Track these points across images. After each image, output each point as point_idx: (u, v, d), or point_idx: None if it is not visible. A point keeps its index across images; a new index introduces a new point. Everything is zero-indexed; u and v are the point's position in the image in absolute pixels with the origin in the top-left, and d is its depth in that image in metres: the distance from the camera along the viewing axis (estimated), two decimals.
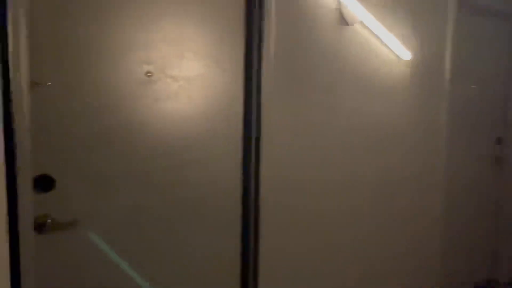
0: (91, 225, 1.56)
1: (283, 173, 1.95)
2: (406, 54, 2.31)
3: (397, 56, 2.28)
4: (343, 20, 2.01)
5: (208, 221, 1.84)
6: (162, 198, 1.71)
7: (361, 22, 2.07)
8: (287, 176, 1.97)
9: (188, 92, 1.71)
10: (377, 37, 2.18)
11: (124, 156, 1.61)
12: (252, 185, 1.89)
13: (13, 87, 1.34)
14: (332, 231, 2.21)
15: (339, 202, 2.20)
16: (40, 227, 1.46)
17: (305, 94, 1.98)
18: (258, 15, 1.80)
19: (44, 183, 1.47)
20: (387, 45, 2.22)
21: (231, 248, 1.91)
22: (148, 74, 1.61)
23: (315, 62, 1.99)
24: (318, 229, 2.13)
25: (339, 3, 2.00)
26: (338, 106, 2.09)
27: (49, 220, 1.48)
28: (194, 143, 1.76)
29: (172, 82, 1.66)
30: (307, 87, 1.98)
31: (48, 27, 1.45)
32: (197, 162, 1.77)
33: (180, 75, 1.67)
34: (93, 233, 1.57)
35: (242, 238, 1.92)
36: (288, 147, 1.95)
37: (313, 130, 2.02)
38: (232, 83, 1.81)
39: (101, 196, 1.58)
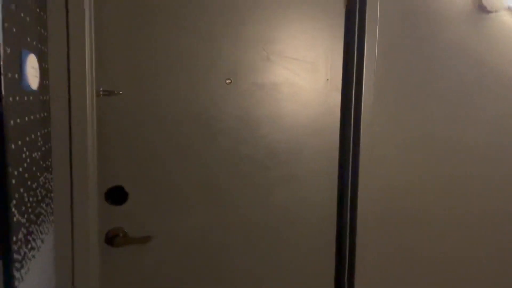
0: (164, 241, 1.47)
1: (386, 195, 1.61)
2: None
3: None
4: (481, 6, 1.55)
5: (299, 242, 1.61)
6: (245, 217, 1.54)
7: (508, 8, 1.57)
8: (391, 197, 1.62)
9: (274, 101, 1.50)
10: None
11: (202, 170, 1.48)
12: (347, 204, 1.59)
13: (77, 95, 1.32)
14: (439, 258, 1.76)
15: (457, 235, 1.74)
16: (111, 240, 1.43)
17: (421, 102, 1.58)
18: (359, 9, 1.50)
19: (117, 196, 1.43)
20: None
21: (324, 271, 1.65)
22: (228, 81, 1.45)
23: (438, 62, 1.57)
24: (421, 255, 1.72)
25: None
26: (470, 118, 1.63)
27: (120, 234, 1.44)
28: (283, 156, 1.54)
29: (256, 89, 1.47)
30: (425, 94, 1.57)
31: (120, 34, 1.38)
32: (285, 178, 1.55)
33: (265, 81, 1.47)
34: (166, 250, 1.48)
35: (336, 265, 1.64)
36: (394, 165, 1.59)
37: (431, 147, 1.61)
38: (327, 90, 1.54)
39: (176, 211, 1.48)
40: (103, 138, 1.40)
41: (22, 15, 1.02)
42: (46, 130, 1.28)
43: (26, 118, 1.05)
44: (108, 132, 1.40)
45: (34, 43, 1.15)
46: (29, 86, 1.05)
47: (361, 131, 1.51)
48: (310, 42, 1.51)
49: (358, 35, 1.51)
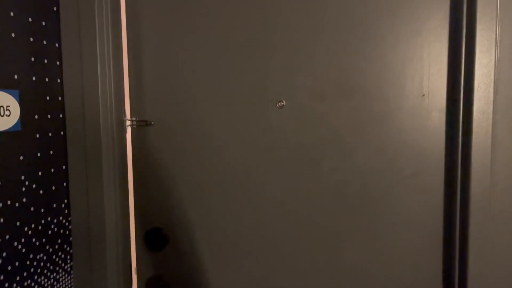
0: None
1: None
2: None
3: None
4: None
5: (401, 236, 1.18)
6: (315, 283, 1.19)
7: None
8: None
9: (342, 126, 1.11)
10: None
11: (252, 211, 1.19)
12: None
13: (105, 127, 1.18)
14: None
15: None
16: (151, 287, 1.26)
17: None
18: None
19: (156, 239, 1.25)
20: None
21: (429, 265, 1.17)
22: (280, 104, 1.12)
23: None
24: None
25: None
26: None
27: (161, 283, 1.25)
28: (355, 206, 1.14)
29: (317, 112, 1.11)
30: None
31: (155, 59, 1.20)
32: (361, 233, 1.14)
33: (329, 100, 1.10)
34: None
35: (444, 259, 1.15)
36: None
37: None
38: (423, 109, 1.06)
39: (227, 262, 1.22)
40: (137, 172, 1.25)
41: None
42: (53, 169, 1.17)
43: None
44: (143, 166, 1.24)
45: (16, 76, 1.04)
46: None
47: (473, 172, 0.99)
48: (395, 42, 1.07)
49: (467, 27, 1.00)
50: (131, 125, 1.26)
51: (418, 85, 1.06)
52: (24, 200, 1.07)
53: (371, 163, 1.10)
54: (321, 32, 1.10)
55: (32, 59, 1.08)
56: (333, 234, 1.15)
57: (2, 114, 0.98)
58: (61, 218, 1.20)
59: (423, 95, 1.05)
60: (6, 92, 0.99)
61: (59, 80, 1.18)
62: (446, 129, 1.06)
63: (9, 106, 1.00)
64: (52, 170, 1.16)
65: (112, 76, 1.20)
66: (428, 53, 1.05)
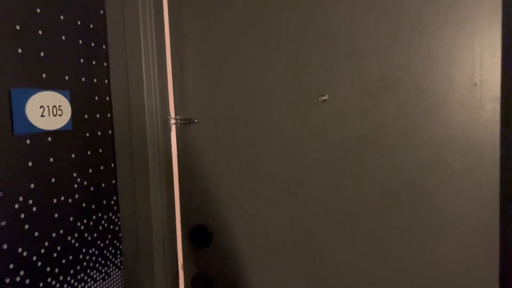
0: None
1: None
2: None
3: None
4: None
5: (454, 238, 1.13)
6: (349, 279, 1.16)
7: None
8: None
9: (388, 118, 1.07)
10: None
11: (297, 209, 1.18)
12: None
13: (151, 125, 1.21)
14: None
15: None
16: (194, 285, 1.27)
17: None
18: None
19: (201, 236, 1.26)
20: None
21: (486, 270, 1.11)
22: (323, 98, 1.10)
23: None
24: None
25: None
26: None
27: (206, 279, 1.26)
28: (401, 201, 1.10)
29: (361, 105, 1.08)
30: None
31: (197, 57, 1.22)
32: (407, 232, 1.10)
33: (374, 92, 1.06)
34: None
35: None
36: None
37: None
38: (475, 100, 1.01)
39: (271, 260, 1.22)
40: (182, 169, 1.27)
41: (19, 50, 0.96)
42: (103, 167, 1.21)
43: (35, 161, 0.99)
44: (187, 163, 1.26)
45: (66, 77, 1.08)
46: (30, 128, 0.98)
47: None
48: (442, 31, 1.02)
49: None
50: (176, 123, 1.28)
51: (469, 74, 1.01)
52: (76, 196, 1.11)
53: (419, 159, 1.05)
54: (364, 23, 1.07)
55: (81, 60, 1.13)
56: (380, 232, 1.11)
57: (54, 114, 1.02)
58: (110, 214, 1.24)
59: (475, 84, 1.00)
60: (58, 92, 1.04)
61: (106, 81, 1.22)
62: (501, 120, 1.00)
63: (61, 106, 1.05)
64: (102, 168, 1.21)
65: (157, 76, 1.23)
66: (479, 40, 0.99)
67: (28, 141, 0.96)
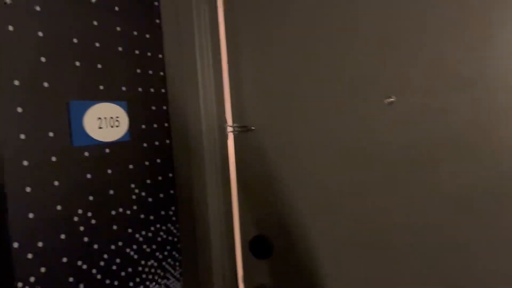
0: None
1: None
2: None
3: None
4: None
5: None
6: None
7: None
8: None
9: (466, 122, 0.95)
10: None
11: (359, 222, 1.08)
12: None
13: (208, 133, 1.18)
14: None
15: None
16: None
17: None
18: None
19: (261, 248, 1.20)
20: None
21: None
22: (389, 100, 1.00)
23: None
24: None
25: None
26: None
27: None
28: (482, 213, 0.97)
29: (431, 114, 0.97)
30: None
31: (253, 64, 1.17)
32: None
33: (447, 91, 0.95)
34: None
35: None
36: None
37: None
38: None
39: (333, 273, 1.13)
40: (240, 178, 1.22)
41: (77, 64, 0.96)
42: (161, 177, 1.19)
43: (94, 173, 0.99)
44: (246, 172, 1.21)
45: (123, 88, 1.07)
46: (88, 140, 0.98)
47: None
48: None
49: None
50: (233, 131, 1.25)
51: None
52: (135, 207, 1.11)
53: (501, 165, 0.93)
54: (433, 17, 0.96)
55: (138, 70, 1.13)
56: (457, 245, 0.99)
57: (112, 125, 1.02)
58: (169, 225, 1.23)
59: None
60: (115, 103, 1.04)
61: (163, 90, 1.21)
62: None
63: (118, 117, 1.05)
64: (159, 178, 1.20)
65: (213, 84, 1.20)
66: None
67: (86, 153, 0.96)
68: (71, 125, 0.91)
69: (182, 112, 1.21)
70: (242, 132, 1.22)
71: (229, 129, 1.24)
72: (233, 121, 1.25)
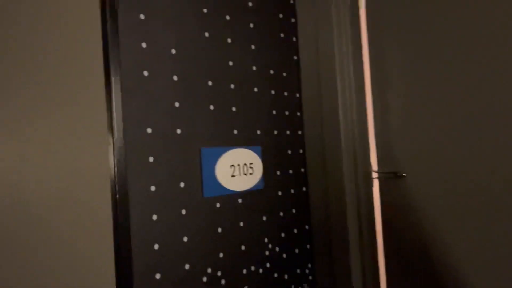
0: None
1: None
2: None
3: None
4: None
5: None
6: None
7: None
8: None
9: None
10: None
11: None
12: None
13: (350, 180, 1.01)
14: None
15: None
16: None
17: None
18: None
19: None
20: None
21: None
22: None
23: None
24: None
25: None
26: None
27: None
28: None
29: None
30: None
31: (403, 103, 0.98)
32: None
33: None
34: None
35: None
36: None
37: None
38: None
39: None
40: (387, 230, 1.02)
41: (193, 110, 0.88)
42: (296, 230, 1.05)
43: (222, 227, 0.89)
44: (394, 223, 1.00)
45: (258, 132, 0.97)
46: (220, 189, 0.88)
47: None
48: None
49: None
50: (378, 177, 1.07)
51: None
52: (268, 265, 0.99)
53: None
54: None
55: (274, 112, 1.03)
56: None
57: (245, 173, 0.94)
58: (305, 285, 1.08)
59: None
60: (249, 149, 0.95)
61: (300, 132, 1.10)
62: None
63: (252, 164, 0.95)
64: (295, 230, 1.06)
65: (356, 125, 1.04)
66: None
67: (218, 205, 0.88)
68: (202, 174, 0.84)
69: (320, 156, 1.08)
70: (390, 178, 1.03)
71: (375, 174, 1.07)
72: (379, 166, 1.07)
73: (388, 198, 1.04)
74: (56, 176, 0.64)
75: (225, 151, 0.89)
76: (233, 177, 0.89)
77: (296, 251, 1.06)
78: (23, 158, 0.61)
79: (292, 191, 1.06)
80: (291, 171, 1.06)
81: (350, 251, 1.05)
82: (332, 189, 1.07)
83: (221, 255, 0.87)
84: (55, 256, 0.64)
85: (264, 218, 0.98)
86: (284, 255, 1.03)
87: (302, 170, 1.10)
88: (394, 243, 1.03)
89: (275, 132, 1.02)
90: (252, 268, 0.94)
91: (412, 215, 1.00)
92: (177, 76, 0.84)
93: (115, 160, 0.69)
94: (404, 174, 0.98)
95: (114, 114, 0.70)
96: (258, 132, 0.98)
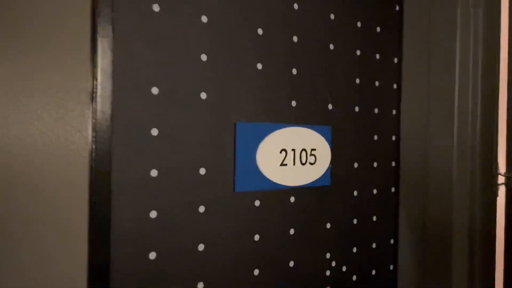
0: None
1: None
2: None
3: None
4: None
5: None
6: None
7: None
8: None
9: None
10: None
11: None
12: None
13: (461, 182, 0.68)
14: None
15: None
16: None
17: None
18: None
19: None
20: None
21: None
22: None
23: None
24: None
25: None
26: None
27: None
28: None
29: None
30: None
31: None
32: None
33: None
34: None
35: None
36: None
37: None
38: None
39: None
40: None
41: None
42: (375, 244, 0.75)
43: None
44: None
45: (330, 106, 0.68)
46: (262, 182, 0.61)
47: None
48: None
49: None
50: (507, 183, 0.73)
51: None
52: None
53: None
54: None
55: (357, 80, 0.73)
56: None
57: (303, 162, 0.66)
58: None
59: None
60: (312, 129, 0.68)
61: (394, 111, 0.79)
62: None
63: (314, 150, 0.68)
64: (374, 245, 0.78)
65: (479, 107, 0.71)
66: None
67: (257, 203, 0.64)
68: (236, 159, 0.60)
69: (421, 146, 0.77)
70: None
71: (501, 179, 0.73)
72: (509, 169, 0.73)
73: None
74: (35, 148, 0.46)
75: (274, 129, 0.63)
76: (283, 167, 0.64)
77: (373, 272, 0.78)
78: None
79: (375, 191, 0.77)
80: (375, 164, 0.77)
81: (453, 279, 0.74)
82: (433, 192, 0.76)
83: (256, 272, 0.63)
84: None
85: (328, 225, 0.71)
86: (354, 278, 0.75)
87: (393, 164, 0.80)
88: None
89: (357, 109, 0.74)
90: None
91: None
92: (207, 16, 0.60)
93: (95, 130, 0.48)
94: None
95: (99, 59, 0.49)
96: (330, 106, 0.70)
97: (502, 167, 0.77)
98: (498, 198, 0.78)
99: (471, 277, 0.75)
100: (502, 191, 0.77)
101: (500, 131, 0.77)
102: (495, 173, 0.75)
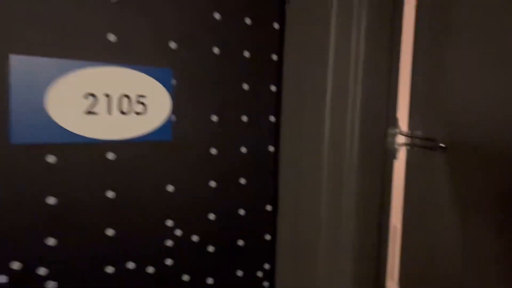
0: None
1: None
2: None
3: None
4: None
5: None
6: None
7: None
8: None
9: None
10: None
11: None
12: None
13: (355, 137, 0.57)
14: None
15: None
16: None
17: None
18: None
19: None
20: None
21: None
22: None
23: None
24: None
25: None
26: None
27: None
28: None
29: None
30: None
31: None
32: None
33: None
34: None
35: None
36: None
37: None
38: None
39: None
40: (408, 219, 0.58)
41: None
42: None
43: None
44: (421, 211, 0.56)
45: (172, 44, 0.54)
46: (53, 133, 0.49)
47: None
48: None
49: None
50: (407, 144, 0.61)
51: None
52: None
53: None
54: None
55: (216, 15, 0.61)
56: None
57: (125, 110, 0.54)
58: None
59: None
60: (140, 71, 0.55)
61: (274, 57, 0.67)
62: None
63: (144, 97, 0.56)
64: (241, 212, 0.67)
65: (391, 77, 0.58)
66: None
67: (51, 159, 0.51)
68: (11, 102, 0.47)
69: (305, 95, 0.65)
70: (424, 148, 0.57)
71: (402, 139, 0.62)
72: (410, 127, 0.61)
73: (416, 173, 0.59)
74: None
75: (76, 67, 0.50)
76: (91, 115, 0.52)
77: (240, 243, 0.67)
78: None
79: (244, 150, 0.66)
80: (245, 119, 0.65)
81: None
82: (317, 154, 0.64)
83: (51, 241, 0.53)
84: None
85: (170, 188, 0.60)
86: (211, 248, 0.65)
87: (272, 119, 0.68)
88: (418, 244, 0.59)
89: (216, 51, 0.61)
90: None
91: (451, 199, 0.53)
92: None
93: None
94: (443, 145, 0.52)
95: None
96: (173, 45, 0.58)
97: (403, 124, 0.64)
98: (397, 161, 0.66)
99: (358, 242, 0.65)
100: (402, 153, 0.65)
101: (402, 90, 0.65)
102: (395, 132, 0.63)
